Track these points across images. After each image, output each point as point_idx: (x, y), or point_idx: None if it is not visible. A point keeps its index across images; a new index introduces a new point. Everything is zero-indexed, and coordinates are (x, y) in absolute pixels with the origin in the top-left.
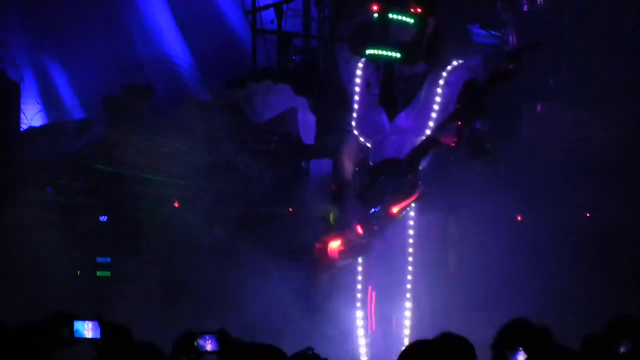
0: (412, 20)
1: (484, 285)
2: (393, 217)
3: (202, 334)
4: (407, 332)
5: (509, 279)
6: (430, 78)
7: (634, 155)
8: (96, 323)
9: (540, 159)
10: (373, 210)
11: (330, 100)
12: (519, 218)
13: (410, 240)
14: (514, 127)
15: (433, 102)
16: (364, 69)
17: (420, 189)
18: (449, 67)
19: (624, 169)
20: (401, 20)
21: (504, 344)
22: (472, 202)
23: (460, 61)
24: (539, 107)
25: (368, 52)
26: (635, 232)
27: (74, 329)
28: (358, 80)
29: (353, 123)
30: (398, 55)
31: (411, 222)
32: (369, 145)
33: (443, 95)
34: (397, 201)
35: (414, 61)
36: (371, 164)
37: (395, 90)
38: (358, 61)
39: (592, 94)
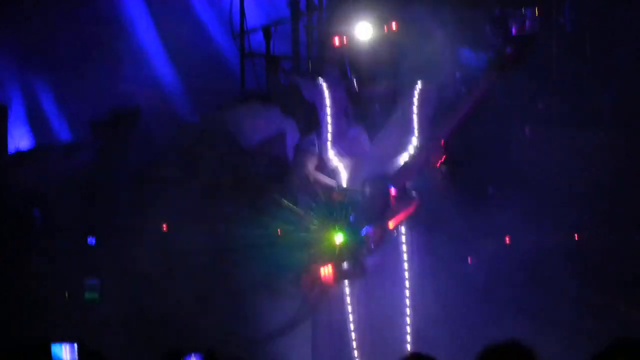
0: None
1: (471, 304)
2: (389, 233)
3: (188, 352)
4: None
5: (500, 301)
6: (403, 97)
7: (624, 178)
8: (73, 346)
9: (530, 181)
10: (367, 229)
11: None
12: (508, 240)
13: (405, 257)
14: (503, 150)
15: (411, 120)
16: (331, 90)
17: (417, 200)
18: (419, 87)
19: (614, 191)
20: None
21: None
22: (463, 224)
23: (425, 82)
24: (527, 130)
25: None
26: (625, 253)
27: (52, 353)
28: (327, 102)
29: (328, 145)
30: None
31: (403, 239)
32: (341, 164)
33: (418, 115)
34: (393, 215)
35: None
36: (346, 182)
37: (369, 112)
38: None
39: (582, 116)
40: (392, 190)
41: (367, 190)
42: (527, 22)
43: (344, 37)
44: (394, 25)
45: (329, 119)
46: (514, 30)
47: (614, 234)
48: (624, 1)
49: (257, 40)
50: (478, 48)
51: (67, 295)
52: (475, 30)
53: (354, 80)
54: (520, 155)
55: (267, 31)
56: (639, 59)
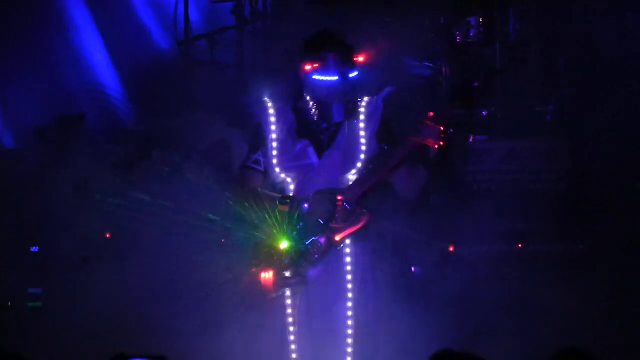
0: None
1: (415, 317)
2: (334, 245)
3: (133, 356)
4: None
5: (440, 312)
6: (348, 113)
7: (566, 187)
8: None
9: (473, 190)
10: (312, 239)
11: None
12: (451, 248)
13: (348, 268)
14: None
15: (358, 136)
16: (276, 107)
17: (366, 216)
18: (364, 101)
19: (556, 200)
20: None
21: None
22: (405, 234)
23: (370, 96)
24: (471, 138)
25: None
26: (565, 262)
27: None
28: (272, 119)
29: (274, 161)
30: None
31: (347, 250)
32: (288, 179)
33: (365, 129)
34: (341, 229)
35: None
36: (294, 193)
37: (317, 130)
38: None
39: (525, 125)
40: (341, 204)
41: (313, 202)
42: (472, 31)
43: (314, 64)
44: (362, 57)
45: (274, 136)
46: (458, 39)
47: (555, 243)
48: (566, 11)
49: (201, 47)
50: (422, 56)
51: (9, 302)
52: (419, 38)
53: (312, 105)
54: (463, 165)
55: (211, 39)
56: (581, 67)
